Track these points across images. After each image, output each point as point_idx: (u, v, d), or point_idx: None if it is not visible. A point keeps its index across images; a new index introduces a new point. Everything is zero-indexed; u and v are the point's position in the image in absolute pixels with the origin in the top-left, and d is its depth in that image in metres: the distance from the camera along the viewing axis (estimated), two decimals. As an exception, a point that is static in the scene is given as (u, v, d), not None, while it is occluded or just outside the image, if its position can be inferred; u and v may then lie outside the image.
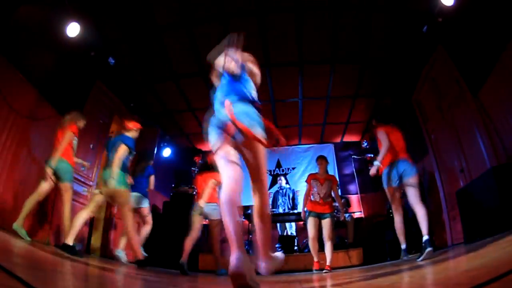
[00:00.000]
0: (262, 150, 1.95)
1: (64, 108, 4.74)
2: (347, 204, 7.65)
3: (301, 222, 7.93)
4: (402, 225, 3.99)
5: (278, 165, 9.43)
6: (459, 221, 4.40)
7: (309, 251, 6.11)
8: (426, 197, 5.80)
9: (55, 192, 4.56)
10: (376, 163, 3.85)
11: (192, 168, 8.28)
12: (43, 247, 3.77)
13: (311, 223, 4.67)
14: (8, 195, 3.67)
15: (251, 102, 2.10)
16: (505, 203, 3.14)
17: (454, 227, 5.03)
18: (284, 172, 9.20)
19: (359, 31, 5.39)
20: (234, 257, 1.50)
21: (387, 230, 5.86)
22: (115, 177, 3.73)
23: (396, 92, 6.83)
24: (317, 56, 5.98)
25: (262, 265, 1.96)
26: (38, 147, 4.27)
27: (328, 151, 9.49)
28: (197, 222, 4.63)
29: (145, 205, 4.99)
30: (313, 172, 5.12)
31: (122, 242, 4.72)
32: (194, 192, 6.98)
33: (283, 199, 7.71)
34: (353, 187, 9.09)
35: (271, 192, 8.01)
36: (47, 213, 4.42)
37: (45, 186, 3.78)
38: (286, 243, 6.94)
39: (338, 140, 9.46)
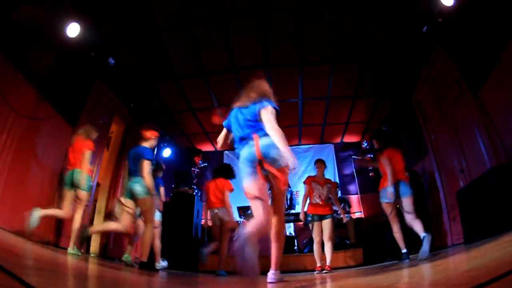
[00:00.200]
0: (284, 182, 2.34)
1: (64, 108, 4.75)
2: (348, 204, 7.65)
3: (301, 223, 7.94)
4: (400, 232, 4.16)
5: (278, 165, 9.41)
6: (459, 221, 4.40)
7: (308, 251, 6.14)
8: (426, 198, 5.80)
9: (55, 193, 4.57)
10: (390, 189, 4.08)
11: (192, 169, 8.28)
12: (44, 247, 3.78)
13: (315, 229, 4.71)
14: (8, 195, 3.67)
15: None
16: (505, 203, 3.14)
17: (454, 227, 5.03)
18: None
19: (359, 31, 5.38)
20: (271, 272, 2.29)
21: (387, 231, 5.84)
22: (144, 188, 3.89)
23: (396, 92, 6.83)
24: (317, 56, 5.99)
25: (271, 274, 2.32)
26: (38, 147, 4.27)
27: (328, 151, 9.49)
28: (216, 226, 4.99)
29: (157, 218, 4.95)
30: (312, 174, 5.11)
31: (157, 254, 4.74)
32: (195, 193, 6.98)
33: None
34: (353, 188, 9.09)
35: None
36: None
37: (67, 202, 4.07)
38: (285, 243, 6.93)
39: (338, 140, 9.46)
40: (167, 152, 8.05)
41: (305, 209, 4.89)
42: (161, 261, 4.79)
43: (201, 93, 6.91)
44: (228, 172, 5.33)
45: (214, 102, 7.22)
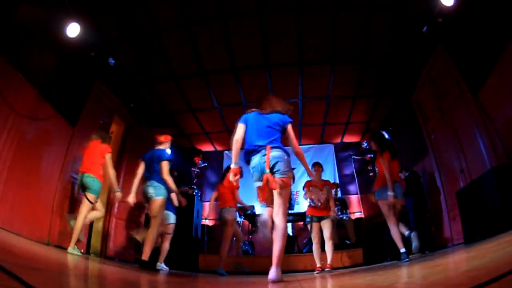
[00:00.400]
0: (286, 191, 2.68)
1: (64, 108, 4.75)
2: (344, 205, 7.64)
3: (301, 223, 7.95)
4: (398, 232, 4.16)
5: (278, 165, 9.41)
6: (459, 221, 4.40)
7: (307, 251, 6.17)
8: (426, 198, 5.80)
9: (55, 193, 4.57)
10: (390, 193, 4.19)
11: (192, 169, 8.28)
12: (44, 248, 3.78)
13: (314, 229, 4.79)
14: (8, 195, 3.66)
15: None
16: (505, 203, 3.14)
17: (454, 227, 5.03)
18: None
19: (359, 31, 5.39)
20: (272, 270, 2.43)
21: (386, 231, 5.85)
22: (155, 190, 4.12)
23: (396, 92, 6.84)
24: (317, 56, 5.99)
25: (272, 271, 2.45)
26: (38, 147, 4.27)
27: (328, 151, 9.49)
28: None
29: (171, 222, 4.98)
30: (309, 179, 5.09)
31: (162, 256, 4.75)
32: (195, 193, 6.98)
33: None
34: (353, 188, 9.09)
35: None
36: (47, 214, 4.41)
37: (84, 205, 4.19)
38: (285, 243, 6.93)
39: (338, 140, 9.46)
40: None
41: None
42: (163, 264, 4.80)
43: (201, 93, 6.91)
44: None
45: (214, 102, 7.22)
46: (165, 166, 4.18)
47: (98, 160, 4.39)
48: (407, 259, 3.99)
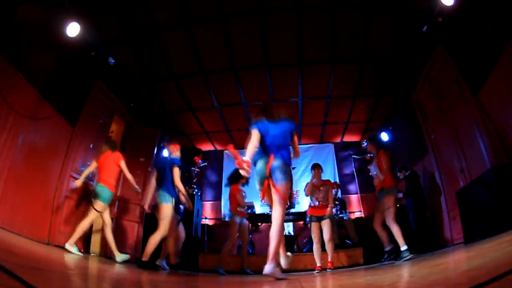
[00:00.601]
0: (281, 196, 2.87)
1: (64, 107, 4.75)
2: (344, 206, 7.65)
3: (301, 222, 7.96)
4: (399, 229, 4.28)
5: (278, 165, 9.42)
6: (459, 221, 4.40)
7: (307, 250, 6.19)
8: (425, 198, 5.80)
9: (55, 193, 4.57)
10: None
11: (192, 168, 8.28)
12: (44, 247, 3.78)
13: (314, 229, 4.87)
14: (8, 195, 3.67)
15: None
16: (505, 203, 3.14)
17: (454, 226, 5.03)
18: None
19: (359, 31, 5.39)
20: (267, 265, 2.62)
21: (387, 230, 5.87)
22: (162, 196, 4.36)
23: (396, 92, 6.84)
24: (317, 56, 5.99)
25: (266, 266, 2.63)
26: (38, 146, 4.27)
27: (328, 151, 9.49)
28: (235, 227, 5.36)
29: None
30: (309, 180, 5.21)
31: (172, 250, 4.79)
32: (195, 192, 6.98)
33: None
34: (353, 187, 9.09)
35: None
36: (47, 214, 4.41)
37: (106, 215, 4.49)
38: (285, 242, 6.94)
39: (338, 140, 9.46)
40: (167, 152, 8.04)
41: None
42: (163, 262, 4.81)
43: (201, 93, 6.91)
44: (235, 178, 5.63)
45: (214, 102, 7.21)
46: (176, 172, 4.49)
47: (113, 170, 4.60)
48: (408, 257, 4.01)
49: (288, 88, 6.90)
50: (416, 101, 6.26)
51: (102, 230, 4.89)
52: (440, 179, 5.59)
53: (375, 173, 4.62)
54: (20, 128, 3.91)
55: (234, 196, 5.54)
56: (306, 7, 5.02)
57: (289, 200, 3.53)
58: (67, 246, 4.07)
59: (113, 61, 5.45)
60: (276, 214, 2.81)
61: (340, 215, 7.08)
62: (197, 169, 8.38)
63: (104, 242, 5.68)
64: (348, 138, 9.33)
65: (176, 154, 4.80)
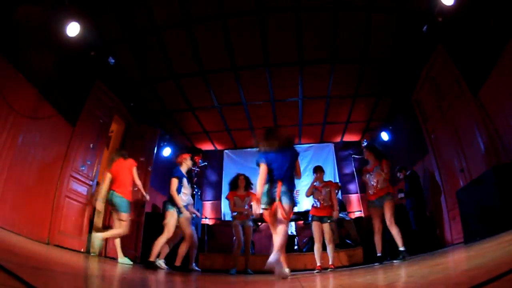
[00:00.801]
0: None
1: (64, 107, 4.74)
2: (343, 207, 7.66)
3: (301, 222, 7.96)
4: (399, 231, 4.39)
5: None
6: (459, 220, 4.40)
7: (307, 250, 6.21)
8: (424, 198, 5.80)
9: (55, 193, 4.58)
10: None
11: (192, 168, 8.28)
12: (44, 247, 3.78)
13: (314, 227, 4.92)
14: (8, 195, 3.67)
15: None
16: (505, 203, 3.14)
17: (454, 226, 5.03)
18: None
19: (359, 30, 5.38)
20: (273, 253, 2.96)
21: (387, 230, 5.86)
22: (167, 204, 4.71)
23: (396, 92, 6.84)
24: (317, 55, 5.98)
25: (271, 256, 2.92)
26: (38, 146, 4.27)
27: (328, 150, 9.49)
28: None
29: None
30: (311, 181, 5.28)
31: (164, 250, 4.81)
32: (194, 192, 6.98)
33: None
34: (353, 187, 9.09)
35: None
36: (47, 213, 4.41)
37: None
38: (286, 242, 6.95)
39: (338, 139, 9.46)
40: (167, 151, 8.05)
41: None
42: (160, 261, 4.83)
43: (201, 92, 6.90)
44: (232, 186, 5.83)
45: (214, 101, 7.21)
46: (172, 183, 4.66)
47: (127, 178, 4.70)
48: (404, 257, 4.04)
49: (288, 87, 6.90)
50: (416, 101, 6.26)
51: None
52: (440, 179, 5.59)
53: (373, 183, 4.67)
54: (20, 128, 3.91)
55: (229, 201, 5.74)
56: (306, 6, 5.02)
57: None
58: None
59: (113, 61, 5.45)
60: (283, 230, 3.24)
61: (340, 215, 7.08)
62: (197, 169, 8.39)
63: (105, 242, 5.70)
64: (348, 137, 9.34)
65: (186, 164, 4.90)
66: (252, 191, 5.71)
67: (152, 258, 4.33)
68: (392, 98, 7.16)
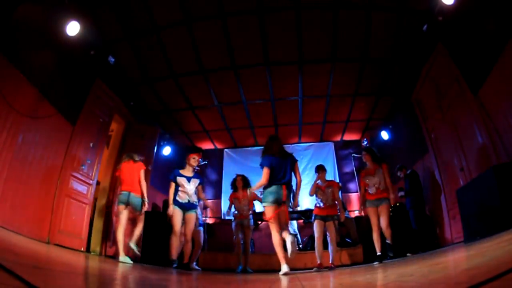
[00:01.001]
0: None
1: (64, 106, 4.74)
2: (343, 207, 7.68)
3: (301, 221, 7.97)
4: (378, 237, 4.57)
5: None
6: (459, 220, 4.40)
7: (310, 249, 6.23)
8: (424, 197, 5.80)
9: (55, 192, 4.58)
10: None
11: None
12: (44, 246, 3.78)
13: (317, 226, 4.96)
14: (8, 194, 3.67)
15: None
16: (505, 202, 3.14)
17: (454, 225, 5.03)
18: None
19: (359, 30, 5.38)
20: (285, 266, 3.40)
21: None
22: (170, 202, 4.71)
23: (396, 91, 6.83)
24: (317, 54, 5.98)
25: (285, 267, 3.40)
26: (38, 145, 4.27)
27: (328, 149, 9.49)
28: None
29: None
30: (313, 181, 5.35)
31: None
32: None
33: None
34: (353, 186, 9.10)
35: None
36: (47, 213, 4.42)
37: (124, 221, 4.60)
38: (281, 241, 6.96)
39: (338, 138, 9.46)
40: (167, 150, 8.05)
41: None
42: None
43: (201, 91, 6.91)
44: (232, 187, 5.89)
45: (214, 100, 7.21)
46: (171, 185, 4.72)
47: (137, 178, 4.79)
48: (381, 261, 4.34)
49: (288, 86, 6.90)
50: (416, 100, 6.26)
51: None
52: (440, 178, 5.59)
53: (376, 185, 4.70)
54: (20, 127, 3.91)
55: (230, 203, 5.84)
56: (306, 5, 5.02)
57: (292, 199, 3.98)
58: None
59: (113, 60, 5.45)
60: (285, 227, 3.64)
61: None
62: (197, 168, 8.39)
63: (104, 241, 5.72)
64: (348, 136, 9.34)
65: (190, 164, 4.85)
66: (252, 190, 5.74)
67: (174, 257, 4.47)
68: (392, 97, 7.16)
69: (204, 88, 6.79)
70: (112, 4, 4.81)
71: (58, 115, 4.65)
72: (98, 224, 5.84)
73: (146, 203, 4.76)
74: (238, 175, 5.91)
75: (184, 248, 4.69)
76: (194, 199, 4.69)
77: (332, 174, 8.92)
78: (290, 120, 8.31)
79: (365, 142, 8.64)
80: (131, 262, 4.47)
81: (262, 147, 4.07)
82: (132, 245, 4.60)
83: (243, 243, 5.51)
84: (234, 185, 5.85)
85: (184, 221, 4.62)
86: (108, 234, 5.85)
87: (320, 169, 5.21)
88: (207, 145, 9.53)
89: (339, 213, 5.23)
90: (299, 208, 7.75)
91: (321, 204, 5.00)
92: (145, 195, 4.78)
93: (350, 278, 2.59)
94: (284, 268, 3.38)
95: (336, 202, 5.08)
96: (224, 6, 4.99)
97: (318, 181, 5.14)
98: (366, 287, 1.84)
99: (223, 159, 9.72)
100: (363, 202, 4.85)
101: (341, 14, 5.13)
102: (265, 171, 3.68)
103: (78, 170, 5.12)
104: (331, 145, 9.52)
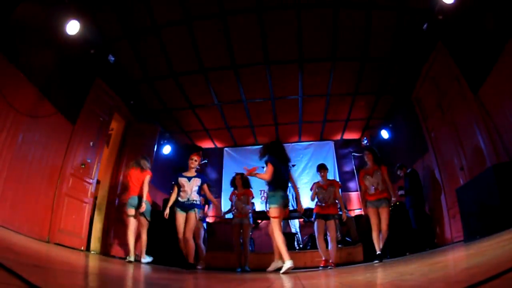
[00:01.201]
0: None
1: (64, 105, 4.74)
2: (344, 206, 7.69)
3: (301, 220, 7.97)
4: (378, 236, 4.60)
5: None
6: (459, 219, 4.40)
7: (309, 248, 6.25)
8: (424, 196, 5.80)
9: (55, 191, 4.58)
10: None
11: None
12: (44, 245, 3.79)
13: (318, 224, 5.01)
14: (8, 193, 3.67)
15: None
16: (505, 201, 3.14)
17: (454, 224, 5.03)
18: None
19: (359, 28, 5.37)
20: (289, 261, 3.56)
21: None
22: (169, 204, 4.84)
23: (396, 90, 6.83)
24: (317, 53, 5.98)
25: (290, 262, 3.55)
26: (38, 145, 4.27)
27: (328, 148, 9.49)
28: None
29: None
30: (316, 180, 5.40)
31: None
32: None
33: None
34: (353, 185, 9.10)
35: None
36: (47, 212, 4.42)
37: (133, 223, 4.83)
38: (286, 240, 6.97)
39: (338, 137, 9.46)
40: (167, 149, 8.05)
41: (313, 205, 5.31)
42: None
43: (201, 90, 6.90)
44: (232, 186, 5.96)
45: (214, 99, 7.21)
46: (174, 188, 4.87)
47: (145, 184, 4.97)
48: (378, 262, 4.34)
49: (288, 85, 6.90)
50: (416, 99, 6.26)
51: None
52: (440, 177, 5.59)
53: (374, 185, 4.71)
54: (20, 126, 3.91)
55: (230, 201, 5.91)
56: (306, 4, 5.01)
57: (295, 199, 4.39)
58: (143, 260, 4.76)
59: (113, 59, 5.45)
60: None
61: (340, 213, 7.10)
62: (197, 167, 8.39)
63: (104, 240, 5.75)
64: (348, 135, 9.34)
65: (190, 166, 4.90)
66: (250, 189, 5.80)
67: (191, 260, 4.55)
68: (392, 96, 7.16)
69: (204, 87, 6.79)
70: (112, 3, 4.80)
71: (58, 114, 4.65)
72: (98, 223, 5.84)
73: (144, 204, 4.80)
74: (237, 174, 5.91)
75: (187, 247, 4.70)
76: (194, 197, 4.68)
77: (332, 173, 8.91)
78: (290, 119, 8.31)
79: (365, 141, 8.63)
80: (133, 260, 4.51)
81: (262, 146, 4.20)
82: (145, 260, 4.81)
83: (242, 242, 5.52)
84: (233, 183, 5.87)
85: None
86: (108, 234, 5.86)
87: (322, 168, 5.25)
88: (207, 144, 9.53)
89: (340, 212, 5.25)
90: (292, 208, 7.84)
91: (323, 203, 5.04)
92: (144, 198, 4.86)
93: (350, 277, 2.59)
94: (289, 263, 3.51)
95: (337, 201, 5.10)
96: (224, 5, 4.98)
97: (320, 180, 5.19)
98: (366, 286, 1.84)
99: (223, 158, 9.71)
100: (364, 202, 4.87)
101: (341, 13, 5.12)
102: (270, 169, 3.82)
103: (78, 169, 5.12)
104: (331, 144, 9.52)
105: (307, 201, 7.69)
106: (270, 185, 3.89)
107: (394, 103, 7.36)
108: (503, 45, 3.69)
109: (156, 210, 6.92)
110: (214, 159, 9.71)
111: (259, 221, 7.85)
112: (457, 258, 2.46)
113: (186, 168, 4.94)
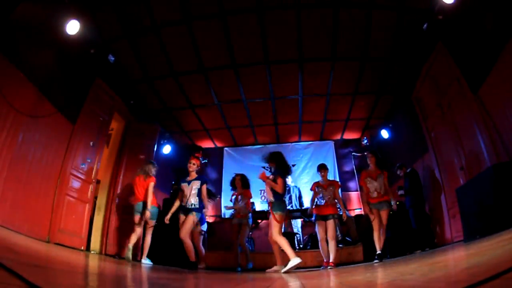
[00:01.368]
0: None
1: (64, 105, 4.74)
2: (344, 206, 7.71)
3: (301, 219, 7.98)
4: (379, 236, 4.71)
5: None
6: (459, 219, 4.40)
7: (305, 247, 6.28)
8: (423, 196, 5.80)
9: (55, 191, 4.58)
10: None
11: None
12: (44, 245, 3.79)
13: (319, 227, 5.04)
14: (8, 193, 3.67)
15: None
16: (505, 201, 3.14)
17: (454, 224, 5.03)
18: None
19: (359, 28, 5.37)
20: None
21: (386, 229, 5.87)
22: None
23: (396, 89, 6.83)
24: (317, 53, 5.97)
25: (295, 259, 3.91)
26: (38, 144, 4.27)
27: (328, 148, 9.48)
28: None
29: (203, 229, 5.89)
30: (316, 180, 5.42)
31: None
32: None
33: (289, 197, 7.83)
34: (353, 184, 9.09)
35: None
36: (47, 212, 4.42)
37: (139, 230, 5.09)
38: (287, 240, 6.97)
39: (338, 137, 9.45)
40: (167, 149, 8.05)
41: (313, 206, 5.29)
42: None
43: (201, 90, 6.90)
44: (232, 186, 6.02)
45: (214, 99, 7.21)
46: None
47: (149, 191, 5.20)
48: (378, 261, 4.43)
49: (288, 85, 6.90)
50: (416, 99, 6.26)
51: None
52: (440, 176, 5.59)
53: (376, 189, 4.79)
54: (20, 126, 3.91)
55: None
56: (306, 4, 5.01)
57: (297, 199, 4.57)
58: (143, 261, 4.96)
59: (113, 58, 5.44)
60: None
61: (340, 213, 7.10)
62: (197, 168, 8.39)
63: (104, 240, 5.75)
64: (348, 135, 9.33)
65: (191, 168, 4.99)
66: (249, 190, 5.86)
67: (192, 259, 4.67)
68: (392, 96, 7.15)
69: (204, 87, 6.78)
70: (112, 3, 4.79)
71: (58, 114, 4.64)
72: (98, 223, 5.84)
73: (148, 212, 5.02)
74: (236, 175, 5.93)
75: (184, 247, 4.71)
76: (192, 201, 4.73)
77: (332, 173, 8.91)
78: (290, 119, 8.31)
79: (365, 141, 8.63)
80: (131, 260, 4.53)
81: (262, 146, 4.46)
82: (145, 261, 4.99)
83: (239, 242, 5.53)
84: (233, 184, 5.91)
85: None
86: (108, 234, 5.85)
87: (323, 168, 5.27)
88: (207, 144, 9.53)
89: (340, 212, 5.26)
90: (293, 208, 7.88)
91: (322, 202, 5.05)
92: (149, 204, 5.06)
93: (350, 276, 2.59)
94: (297, 260, 3.87)
95: (337, 200, 5.11)
96: (224, 4, 4.98)
97: (320, 180, 5.23)
98: (366, 286, 1.84)
99: (223, 157, 9.71)
100: (367, 204, 4.93)
101: (341, 13, 5.11)
102: (282, 182, 4.33)
103: (78, 169, 5.12)
104: (331, 144, 9.51)
105: (307, 201, 7.72)
106: (278, 195, 4.31)
107: (394, 103, 7.36)
108: (503, 45, 3.68)
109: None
110: (214, 159, 9.71)
111: (259, 221, 7.85)
112: (457, 258, 2.47)
113: (187, 171, 4.98)
